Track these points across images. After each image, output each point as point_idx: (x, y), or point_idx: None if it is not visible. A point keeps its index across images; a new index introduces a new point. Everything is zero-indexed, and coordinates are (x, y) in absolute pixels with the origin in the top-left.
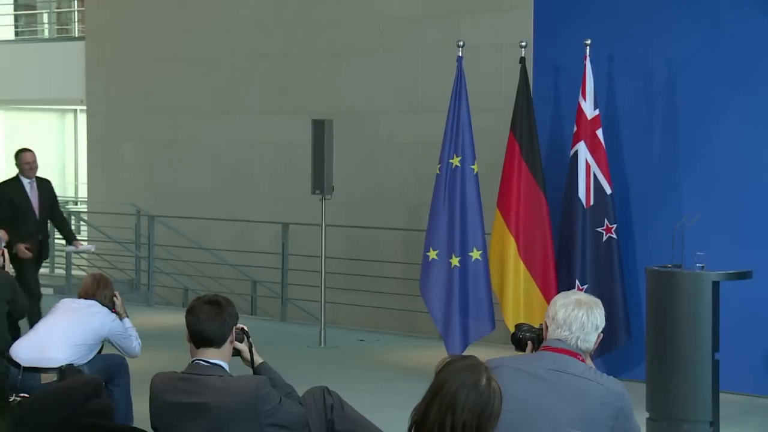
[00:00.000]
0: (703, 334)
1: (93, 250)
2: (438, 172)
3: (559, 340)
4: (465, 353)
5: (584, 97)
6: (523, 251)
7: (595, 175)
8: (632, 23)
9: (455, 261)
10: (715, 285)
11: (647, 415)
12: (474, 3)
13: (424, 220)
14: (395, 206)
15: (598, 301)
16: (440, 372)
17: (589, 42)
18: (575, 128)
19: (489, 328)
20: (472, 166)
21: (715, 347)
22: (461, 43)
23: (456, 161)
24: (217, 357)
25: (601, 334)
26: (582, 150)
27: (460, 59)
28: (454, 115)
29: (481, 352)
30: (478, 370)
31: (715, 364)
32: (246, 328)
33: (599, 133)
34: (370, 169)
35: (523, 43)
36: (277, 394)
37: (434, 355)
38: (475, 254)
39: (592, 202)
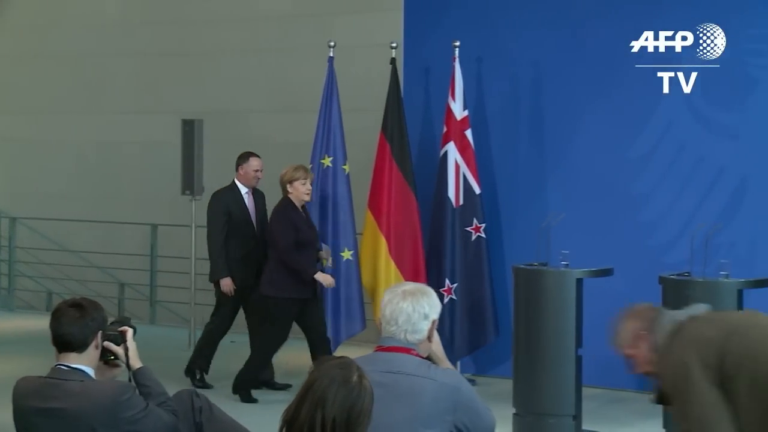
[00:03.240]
0: (567, 330)
1: None
2: None
3: (389, 337)
4: (336, 353)
5: (453, 98)
6: (394, 251)
7: (464, 175)
8: (500, 26)
9: (325, 261)
10: (579, 282)
11: (514, 410)
12: (345, 3)
13: None
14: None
15: (427, 290)
16: (312, 371)
17: (458, 44)
18: (444, 129)
19: (360, 327)
20: (343, 167)
21: (578, 343)
22: (332, 44)
23: (327, 161)
24: (79, 362)
25: (435, 321)
26: (451, 150)
27: (331, 59)
28: (325, 116)
29: (353, 352)
30: (349, 368)
31: (578, 360)
32: (128, 331)
33: (468, 133)
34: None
35: (394, 44)
36: (143, 401)
37: (307, 355)
38: (346, 254)
39: (461, 202)
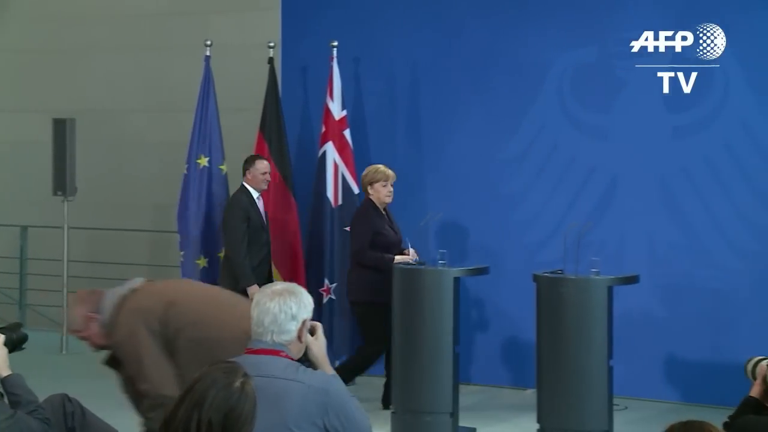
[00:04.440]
0: (444, 328)
1: None
2: (185, 172)
3: (257, 340)
4: None
5: (331, 98)
6: (273, 252)
7: (342, 175)
8: (377, 26)
9: (203, 262)
10: (456, 281)
11: (392, 409)
12: (221, 2)
13: (172, 221)
14: (142, 207)
15: (296, 290)
16: (198, 373)
17: (336, 44)
18: (323, 128)
19: None
20: (221, 167)
21: (456, 341)
22: (209, 42)
23: (203, 161)
24: None
25: (306, 321)
26: (330, 150)
27: (207, 58)
28: (202, 115)
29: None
30: (234, 373)
31: (456, 357)
32: None
33: (346, 133)
34: (115, 170)
35: (271, 44)
36: (9, 408)
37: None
38: (223, 255)
39: (340, 202)
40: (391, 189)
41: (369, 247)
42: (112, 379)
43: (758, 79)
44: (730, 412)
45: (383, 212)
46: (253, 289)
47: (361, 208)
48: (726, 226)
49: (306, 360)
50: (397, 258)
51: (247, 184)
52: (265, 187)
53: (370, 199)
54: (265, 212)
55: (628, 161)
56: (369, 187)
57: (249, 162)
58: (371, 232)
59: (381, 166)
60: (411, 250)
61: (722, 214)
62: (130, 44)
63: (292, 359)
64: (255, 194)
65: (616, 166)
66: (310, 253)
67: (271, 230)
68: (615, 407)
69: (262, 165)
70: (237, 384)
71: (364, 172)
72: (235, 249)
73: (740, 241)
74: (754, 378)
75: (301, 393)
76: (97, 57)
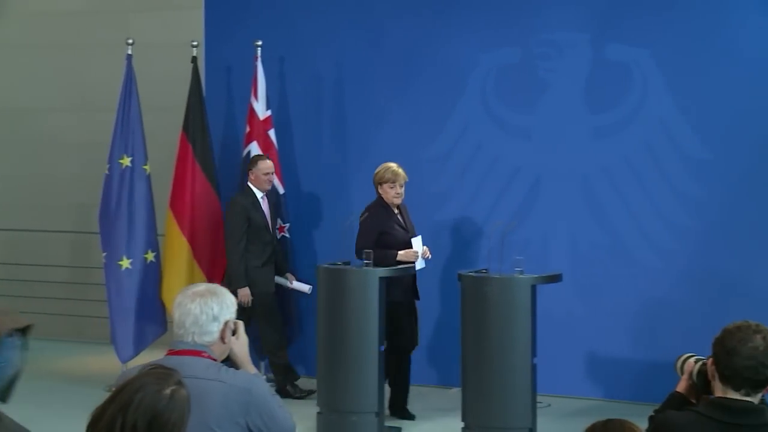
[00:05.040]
0: (370, 328)
1: (309, 291)
2: (107, 172)
3: (179, 340)
4: (141, 357)
5: (256, 98)
6: (198, 252)
7: None
8: (302, 26)
9: (126, 263)
10: (381, 281)
11: (318, 409)
12: (143, 1)
13: (94, 222)
14: (62, 208)
15: (218, 290)
16: (132, 376)
17: (260, 43)
18: (247, 128)
19: (162, 330)
20: (144, 167)
21: (381, 341)
22: (130, 41)
23: (126, 161)
24: None
25: (229, 321)
26: (255, 150)
27: (129, 57)
28: (124, 114)
29: (158, 356)
30: (168, 379)
31: (380, 356)
32: None
33: (271, 133)
34: (33, 170)
35: (195, 43)
36: None
37: (104, 360)
38: (149, 256)
39: None
40: (400, 191)
41: (375, 246)
42: (37, 383)
43: (675, 78)
44: (651, 408)
45: (395, 210)
46: (243, 292)
47: (370, 206)
48: (646, 226)
49: (229, 360)
50: (400, 254)
51: (251, 184)
52: (269, 187)
53: (381, 198)
54: (270, 211)
55: (551, 161)
56: (378, 187)
57: (252, 162)
58: (376, 231)
59: (392, 165)
60: (424, 248)
61: (642, 213)
62: (49, 42)
63: (214, 360)
64: (259, 194)
65: (540, 166)
66: None
67: (196, 231)
68: (538, 405)
69: (265, 165)
70: (167, 391)
71: (375, 171)
72: (229, 250)
73: (660, 240)
74: (683, 374)
75: (222, 392)
76: (15, 54)
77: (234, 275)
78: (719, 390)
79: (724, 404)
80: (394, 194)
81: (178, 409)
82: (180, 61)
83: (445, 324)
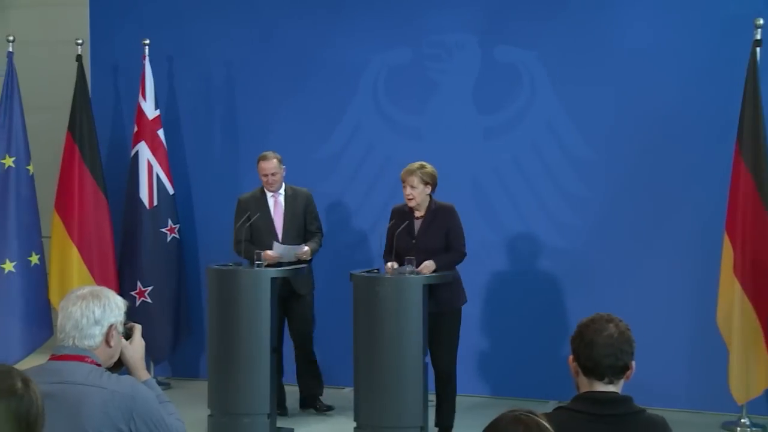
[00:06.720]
0: (262, 329)
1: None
2: None
3: (61, 345)
4: (27, 362)
5: (144, 97)
6: (86, 255)
7: (157, 175)
8: (191, 25)
9: (9, 266)
10: (273, 281)
11: (209, 412)
12: None
13: None
14: None
15: (102, 293)
16: None
17: (148, 42)
18: (135, 128)
19: (49, 334)
20: (28, 167)
21: (274, 341)
22: (11, 38)
23: (9, 162)
24: None
25: (114, 325)
26: (143, 150)
27: (10, 55)
28: (6, 114)
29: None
30: (9, 375)
31: (273, 358)
32: None
33: (160, 133)
34: None
35: (80, 41)
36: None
37: None
38: (34, 258)
39: (155, 203)
40: (409, 191)
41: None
42: None
43: (561, 80)
44: (541, 405)
45: (415, 214)
46: (265, 254)
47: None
48: (534, 225)
49: (120, 365)
50: (387, 266)
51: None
52: (272, 188)
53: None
54: (286, 215)
55: (441, 161)
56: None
57: (256, 162)
58: (387, 236)
59: (412, 164)
60: (391, 264)
61: (530, 213)
62: None
63: (98, 365)
64: (268, 194)
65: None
66: (124, 256)
67: (84, 233)
68: (430, 403)
69: (259, 167)
70: (19, 385)
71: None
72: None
73: (547, 239)
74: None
75: (102, 398)
76: None
77: (245, 254)
78: (585, 385)
79: (592, 397)
80: (405, 195)
81: (39, 396)
82: (64, 59)
83: (336, 323)
